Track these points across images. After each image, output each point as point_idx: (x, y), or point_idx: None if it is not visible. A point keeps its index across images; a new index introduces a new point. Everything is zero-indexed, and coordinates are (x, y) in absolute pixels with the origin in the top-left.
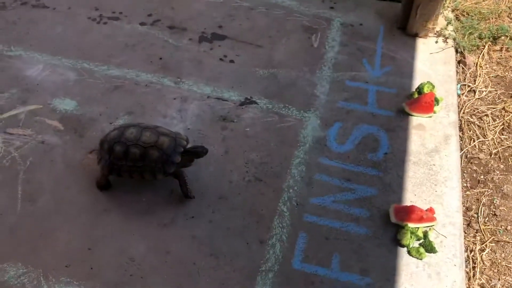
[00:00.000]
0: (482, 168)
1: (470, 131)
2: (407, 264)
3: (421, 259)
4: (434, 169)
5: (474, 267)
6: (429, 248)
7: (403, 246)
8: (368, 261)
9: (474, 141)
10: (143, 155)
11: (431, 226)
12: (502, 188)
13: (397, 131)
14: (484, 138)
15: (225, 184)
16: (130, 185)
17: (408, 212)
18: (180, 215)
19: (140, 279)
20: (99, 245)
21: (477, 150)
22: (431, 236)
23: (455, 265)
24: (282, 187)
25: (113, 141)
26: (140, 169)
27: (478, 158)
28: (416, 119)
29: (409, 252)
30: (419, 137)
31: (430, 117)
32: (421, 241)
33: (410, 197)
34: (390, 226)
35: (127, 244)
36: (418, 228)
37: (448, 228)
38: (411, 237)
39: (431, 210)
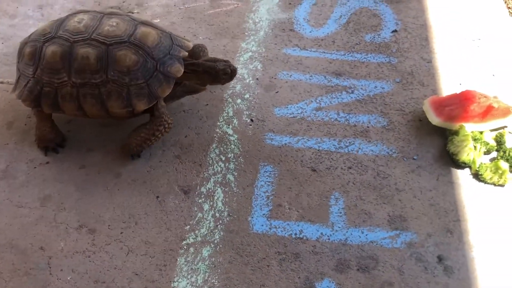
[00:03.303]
0: None
1: None
2: (475, 197)
3: (503, 185)
4: (481, 45)
5: None
6: None
7: (462, 165)
8: (400, 202)
9: None
10: (105, 59)
11: (504, 126)
12: None
13: (406, 1)
14: None
15: None
16: None
17: (463, 103)
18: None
19: None
20: None
21: None
22: (509, 143)
23: None
24: (223, 97)
25: (41, 39)
26: (98, 90)
27: None
28: None
29: (478, 174)
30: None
31: None
32: (492, 152)
33: (452, 87)
34: (430, 133)
35: None
36: (481, 132)
37: None
38: (475, 147)
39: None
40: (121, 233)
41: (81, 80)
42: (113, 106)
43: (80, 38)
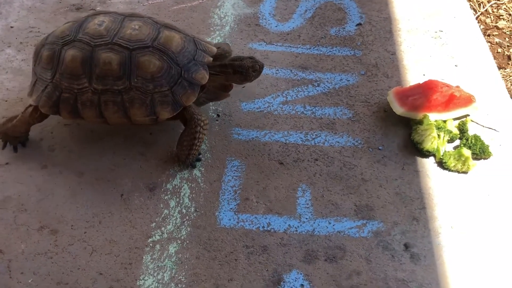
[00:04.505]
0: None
1: None
2: (440, 184)
3: (466, 172)
4: (443, 36)
5: None
6: (479, 149)
7: (427, 153)
8: (366, 191)
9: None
10: (128, 65)
11: (466, 115)
12: None
13: None
14: None
15: None
16: None
17: (426, 93)
18: None
19: None
20: None
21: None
22: (472, 131)
23: None
24: None
25: (60, 42)
26: (121, 97)
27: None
28: None
29: (442, 162)
30: None
31: None
32: (456, 140)
33: (416, 78)
34: (395, 124)
35: None
36: (445, 120)
37: (495, 115)
38: (438, 135)
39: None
40: (85, 232)
41: (102, 87)
42: (136, 114)
43: (102, 42)
